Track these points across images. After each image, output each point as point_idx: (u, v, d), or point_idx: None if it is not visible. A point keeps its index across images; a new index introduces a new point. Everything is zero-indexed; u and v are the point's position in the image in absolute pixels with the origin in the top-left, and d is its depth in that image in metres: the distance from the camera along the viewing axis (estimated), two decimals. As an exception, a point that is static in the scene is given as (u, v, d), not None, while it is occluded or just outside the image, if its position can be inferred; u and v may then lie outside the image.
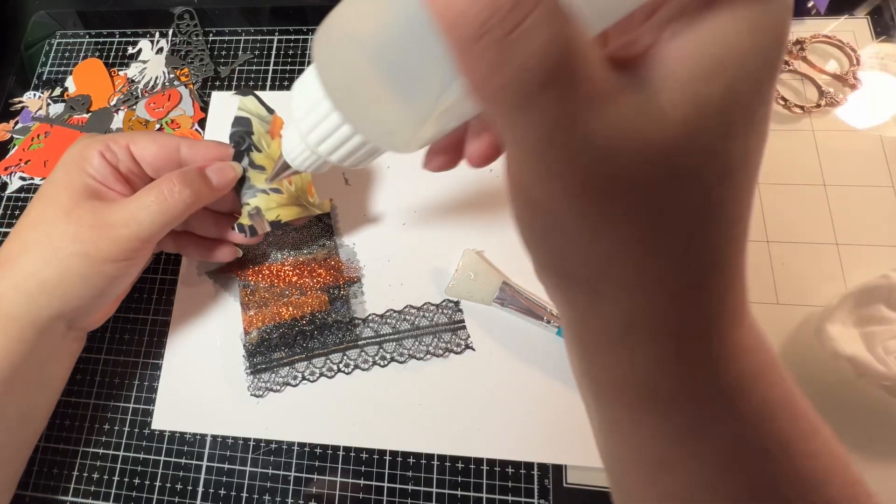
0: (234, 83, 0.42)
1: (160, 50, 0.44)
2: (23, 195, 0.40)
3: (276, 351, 0.33)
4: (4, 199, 0.40)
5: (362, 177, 0.37)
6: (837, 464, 0.16)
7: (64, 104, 0.43)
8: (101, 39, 0.45)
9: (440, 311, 0.34)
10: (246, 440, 0.32)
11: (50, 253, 0.27)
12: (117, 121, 0.42)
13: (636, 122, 0.11)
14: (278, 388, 0.33)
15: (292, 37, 0.43)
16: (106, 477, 0.33)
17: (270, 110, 0.31)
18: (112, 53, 0.45)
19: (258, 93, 0.33)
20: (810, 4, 0.40)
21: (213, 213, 0.33)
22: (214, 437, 0.33)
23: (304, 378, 0.33)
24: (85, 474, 0.33)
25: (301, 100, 0.18)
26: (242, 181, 0.31)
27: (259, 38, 0.44)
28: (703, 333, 0.14)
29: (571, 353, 0.17)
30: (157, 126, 0.41)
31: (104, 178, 0.29)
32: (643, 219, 0.12)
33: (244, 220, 0.31)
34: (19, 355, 0.27)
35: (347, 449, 0.32)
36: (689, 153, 0.12)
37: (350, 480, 0.31)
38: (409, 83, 0.14)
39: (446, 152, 0.20)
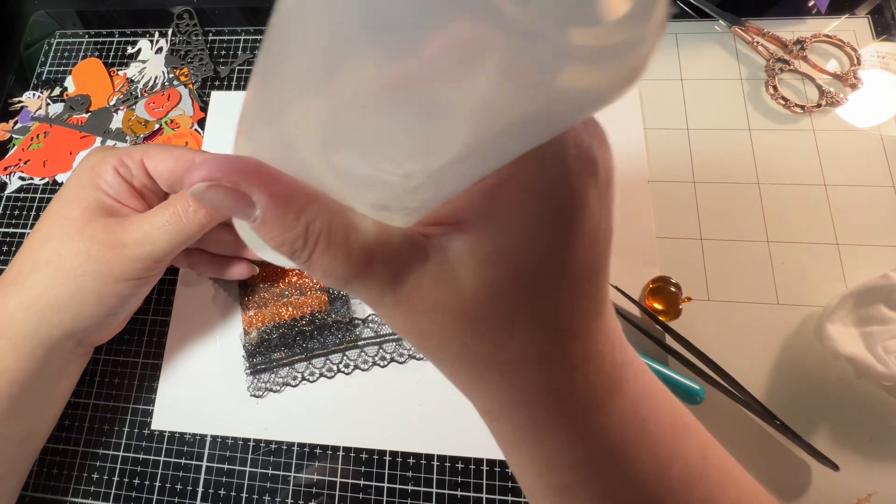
0: (234, 83, 0.42)
1: (160, 49, 0.44)
2: (22, 195, 0.40)
3: (275, 351, 0.33)
4: (4, 199, 0.40)
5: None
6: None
7: (63, 104, 0.43)
8: (100, 39, 0.45)
9: (440, 311, 0.34)
10: (246, 440, 0.32)
11: (61, 271, 0.26)
12: (117, 120, 0.42)
13: (434, 290, 0.14)
14: (278, 388, 0.33)
15: (292, 36, 0.43)
16: (106, 477, 0.33)
17: None
18: (111, 53, 0.45)
19: None
20: (811, 4, 0.40)
21: (230, 230, 0.32)
22: (214, 437, 0.33)
23: (303, 378, 0.33)
24: (85, 474, 0.33)
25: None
26: None
27: (259, 37, 0.43)
28: (551, 427, 0.17)
29: None
30: (157, 126, 0.41)
31: (118, 195, 0.28)
32: (457, 362, 0.16)
33: None
34: (28, 373, 0.27)
35: (347, 449, 0.32)
36: (488, 315, 0.15)
37: (350, 480, 0.31)
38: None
39: None
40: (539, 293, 0.15)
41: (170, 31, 0.44)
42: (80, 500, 0.33)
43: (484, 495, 0.30)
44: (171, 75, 0.43)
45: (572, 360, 0.16)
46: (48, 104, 0.43)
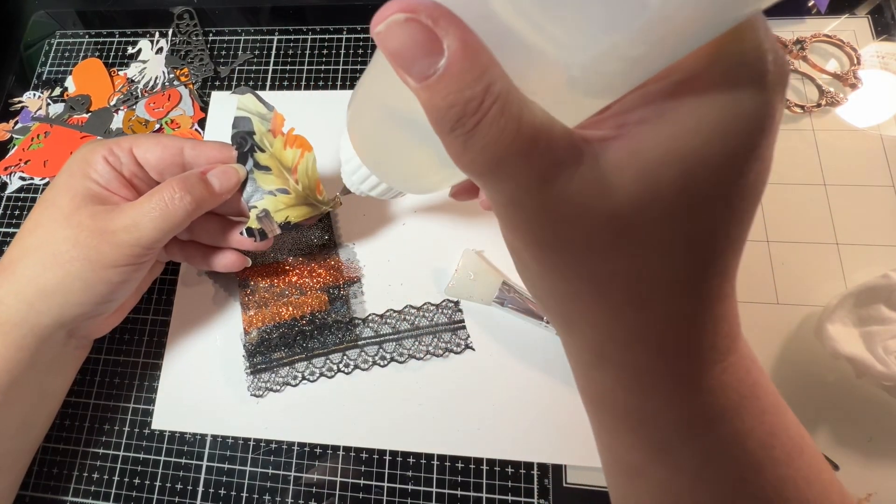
0: (234, 83, 0.42)
1: (160, 50, 0.44)
2: (22, 195, 0.40)
3: (275, 351, 0.33)
4: (4, 199, 0.40)
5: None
6: (815, 489, 0.17)
7: (64, 104, 0.43)
8: (100, 39, 0.45)
9: (440, 311, 0.34)
10: (246, 440, 0.33)
11: (49, 258, 0.26)
12: (117, 121, 0.42)
13: (584, 193, 0.13)
14: (278, 388, 0.33)
15: (292, 37, 0.43)
16: (106, 477, 0.33)
17: (270, 107, 0.30)
18: (112, 53, 0.45)
19: (257, 91, 0.32)
20: (811, 3, 0.40)
21: (220, 220, 0.32)
22: (214, 437, 0.33)
23: (303, 378, 0.33)
24: (85, 474, 0.33)
25: (343, 148, 0.23)
26: (248, 184, 0.30)
27: (259, 37, 0.43)
28: (665, 373, 0.15)
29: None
30: (157, 126, 0.41)
31: (108, 183, 0.28)
32: (591, 278, 0.15)
33: (252, 223, 0.30)
34: (19, 364, 0.27)
35: (347, 449, 0.32)
36: (639, 226, 0.13)
37: (350, 480, 0.31)
38: (411, 151, 0.18)
39: (467, 192, 0.24)
40: (702, 209, 0.13)
41: (170, 32, 0.45)
42: (79, 499, 0.33)
43: (484, 495, 0.30)
44: (172, 75, 0.43)
45: (709, 297, 0.15)
46: (48, 104, 0.43)
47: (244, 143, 0.30)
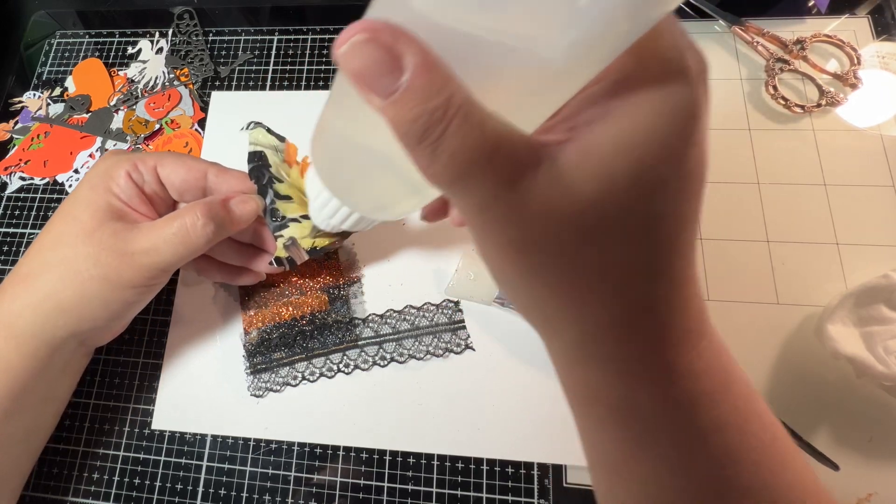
0: (234, 83, 0.42)
1: (160, 50, 0.44)
2: (22, 195, 0.40)
3: (276, 351, 0.33)
4: (4, 199, 0.40)
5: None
6: (789, 474, 0.17)
7: (64, 104, 0.43)
8: (100, 39, 0.45)
9: (440, 311, 0.34)
10: (246, 440, 0.33)
11: (70, 275, 0.27)
12: (117, 121, 0.42)
13: (547, 194, 0.14)
14: (278, 388, 0.33)
15: (292, 37, 0.43)
16: (106, 477, 0.33)
17: (281, 138, 0.31)
18: (112, 53, 0.45)
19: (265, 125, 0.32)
20: (811, 3, 0.40)
21: (235, 243, 0.32)
22: (214, 437, 0.33)
23: (304, 378, 0.33)
24: (85, 474, 0.33)
25: (310, 184, 0.24)
26: (271, 214, 0.29)
27: (259, 37, 0.43)
28: (646, 360, 0.16)
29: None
30: (157, 126, 0.41)
31: (129, 199, 0.28)
32: (565, 274, 0.15)
33: (280, 252, 0.30)
34: (30, 371, 0.27)
35: (347, 449, 0.32)
36: (601, 218, 0.14)
37: (350, 480, 0.31)
38: (380, 180, 0.18)
39: (437, 213, 0.24)
40: (654, 193, 0.14)
41: (170, 32, 0.45)
42: (80, 499, 0.33)
43: (484, 495, 0.30)
44: (172, 75, 0.43)
45: (676, 279, 0.15)
46: (49, 104, 0.43)
47: (262, 177, 0.30)
